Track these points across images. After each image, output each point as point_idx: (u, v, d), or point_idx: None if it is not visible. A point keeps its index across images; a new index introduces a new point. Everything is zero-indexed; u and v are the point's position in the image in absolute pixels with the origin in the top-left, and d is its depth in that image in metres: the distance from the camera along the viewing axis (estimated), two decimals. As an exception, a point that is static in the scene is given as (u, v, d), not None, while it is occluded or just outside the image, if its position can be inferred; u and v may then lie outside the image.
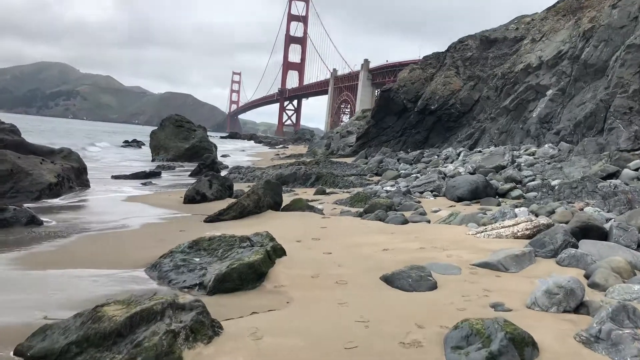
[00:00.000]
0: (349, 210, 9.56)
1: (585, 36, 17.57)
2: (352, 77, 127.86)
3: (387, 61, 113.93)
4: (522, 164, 12.60)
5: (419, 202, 10.25)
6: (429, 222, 8.11)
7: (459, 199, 10.18)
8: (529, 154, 14.93)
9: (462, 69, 25.04)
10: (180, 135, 31.50)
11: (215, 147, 33.15)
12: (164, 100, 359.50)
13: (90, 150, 37.15)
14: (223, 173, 20.48)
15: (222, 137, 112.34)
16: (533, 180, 10.87)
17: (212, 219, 8.84)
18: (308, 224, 7.93)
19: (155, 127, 33.76)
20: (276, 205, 9.51)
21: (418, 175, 14.47)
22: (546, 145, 14.94)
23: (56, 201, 11.35)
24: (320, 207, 9.66)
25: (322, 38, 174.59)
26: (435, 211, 9.14)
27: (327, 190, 12.71)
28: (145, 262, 5.50)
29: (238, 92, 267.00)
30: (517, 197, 10.11)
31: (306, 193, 12.81)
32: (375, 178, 15.85)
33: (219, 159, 33.86)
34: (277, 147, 67.06)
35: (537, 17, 23.78)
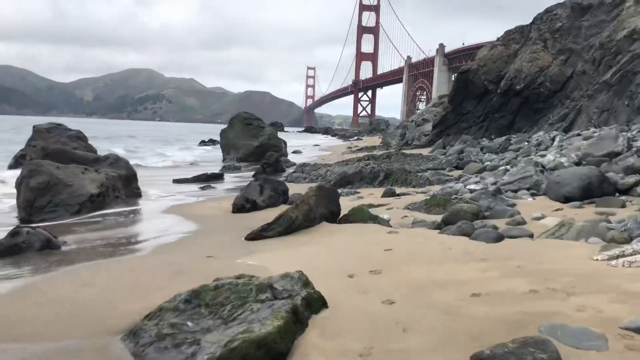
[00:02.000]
0: (424, 219, 7.62)
1: None
2: (427, 63, 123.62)
3: (463, 44, 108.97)
4: (644, 150, 10.04)
5: (514, 205, 8.12)
6: (531, 236, 6.04)
7: (567, 199, 7.94)
8: (646, 136, 12.22)
9: (550, 42, 22.07)
10: (249, 134, 30.48)
11: (285, 143, 31.92)
12: (243, 99, 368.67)
13: (164, 152, 37.16)
14: (288, 172, 19.03)
15: (298, 132, 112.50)
16: (664, 170, 8.40)
17: (254, 236, 7.23)
18: (368, 243, 6.10)
19: (227, 126, 33.01)
20: (332, 216, 7.74)
21: (507, 167, 12.19)
22: (669, 124, 12.15)
23: (95, 215, 10.20)
24: (386, 216, 7.78)
25: (395, 26, 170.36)
26: (538, 218, 7.01)
27: (398, 191, 10.78)
28: (133, 318, 3.92)
29: (313, 86, 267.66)
30: (647, 195, 7.74)
31: (373, 195, 10.95)
32: (456, 172, 13.68)
33: (290, 155, 32.67)
34: (351, 139, 65.32)
35: (640, -25, 20.39)
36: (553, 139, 16.32)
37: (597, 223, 6.10)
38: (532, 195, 8.81)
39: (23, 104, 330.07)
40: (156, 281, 4.88)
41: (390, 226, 7.31)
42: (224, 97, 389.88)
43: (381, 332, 3.45)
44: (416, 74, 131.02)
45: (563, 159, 10.38)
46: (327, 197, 7.71)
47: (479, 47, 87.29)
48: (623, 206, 7.25)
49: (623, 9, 19.33)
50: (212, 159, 31.83)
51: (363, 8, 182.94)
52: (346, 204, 9.70)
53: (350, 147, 38.65)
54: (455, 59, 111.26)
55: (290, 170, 19.43)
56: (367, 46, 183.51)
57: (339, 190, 11.87)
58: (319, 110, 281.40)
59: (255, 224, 8.04)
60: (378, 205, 9.39)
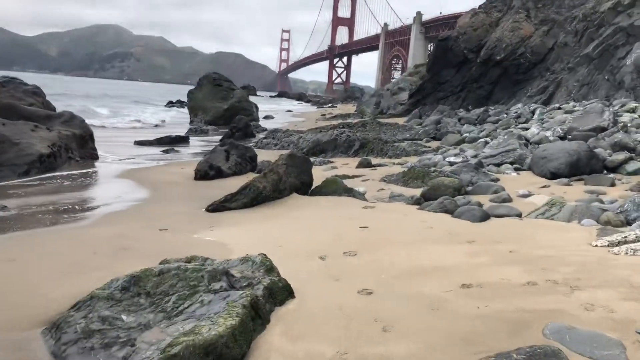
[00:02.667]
0: (402, 193, 7.07)
1: (702, -40, 13.96)
2: (404, 31, 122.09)
3: (440, 13, 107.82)
4: (629, 125, 9.64)
5: (497, 180, 7.62)
6: (519, 216, 5.54)
7: (553, 175, 7.48)
8: (628, 111, 11.86)
9: (533, 12, 21.51)
10: (219, 95, 29.40)
11: (257, 107, 30.95)
12: (215, 60, 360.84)
13: (129, 112, 35.77)
14: (258, 137, 18.27)
15: (271, 97, 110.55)
16: (653, 147, 7.99)
17: (215, 207, 6.58)
18: (342, 219, 5.52)
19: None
20: (303, 187, 7.12)
21: (487, 140, 11.72)
22: (652, 100, 11.80)
23: (44, 177, 9.36)
24: (362, 189, 7.20)
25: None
26: (525, 195, 6.52)
27: (374, 162, 10.21)
28: (61, 306, 3.26)
29: (288, 50, 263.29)
30: (635, 172, 7.32)
31: (347, 165, 10.36)
32: (434, 143, 13.17)
33: (262, 120, 31.73)
34: (325, 106, 64.38)
35: (627, -54, 19.83)
36: (533, 112, 15.91)
37: (589, 203, 5.64)
38: (516, 170, 8.34)
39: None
40: (96, 259, 4.21)
41: (366, 200, 6.74)
42: (195, 57, 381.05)
43: (357, 331, 2.88)
44: (393, 41, 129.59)
45: (548, 133, 9.92)
46: (299, 167, 7.07)
47: (456, 17, 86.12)
48: (613, 184, 6.81)
49: (608, -20, 18.80)
50: (180, 121, 30.72)
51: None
52: (319, 174, 9.09)
53: (324, 114, 37.87)
54: (432, 28, 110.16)
55: (261, 135, 18.66)
56: (345, 11, 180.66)
57: (312, 159, 11.26)
58: (293, 75, 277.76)
59: (218, 193, 7.40)
60: (353, 177, 8.81)
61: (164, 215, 6.32)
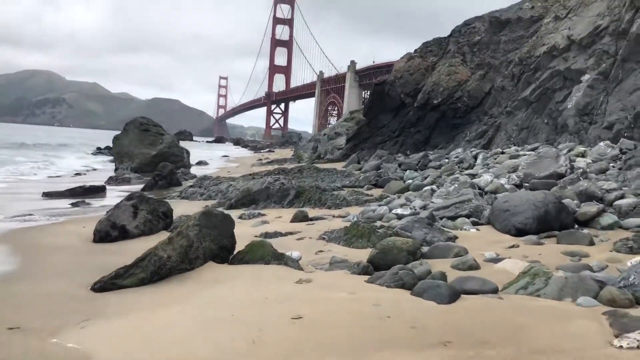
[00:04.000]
0: (345, 257, 5.75)
1: (635, 5, 13.92)
2: (339, 79, 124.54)
3: (374, 62, 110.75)
4: (588, 171, 8.85)
5: (455, 237, 6.47)
6: (495, 291, 4.32)
7: (519, 232, 6.40)
8: (578, 155, 11.23)
9: (469, 56, 21.34)
10: (146, 141, 27.53)
11: (188, 153, 29.20)
12: (151, 106, 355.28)
13: (50, 160, 33.14)
14: (185, 185, 16.65)
15: (208, 142, 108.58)
16: (622, 196, 7.10)
17: (103, 286, 5.01)
18: (269, 304, 4.10)
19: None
20: (223, 253, 5.67)
21: (433, 187, 10.70)
22: (601, 144, 11.24)
23: None
24: (296, 253, 5.83)
25: (308, 40, 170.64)
26: (493, 260, 5.35)
27: (311, 214, 8.89)
28: None
29: (225, 96, 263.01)
30: (611, 227, 6.35)
31: (281, 218, 8.98)
32: (376, 191, 12.05)
33: (194, 167, 30.00)
34: (262, 151, 63.18)
35: (556, -7, 20.14)
36: (475, 157, 15.22)
37: (577, 271, 4.51)
38: (474, 224, 7.22)
39: None
40: None
41: (301, 268, 5.37)
42: (131, 104, 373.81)
43: None
44: (328, 89, 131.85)
45: (502, 180, 8.97)
46: (217, 227, 5.63)
47: (389, 65, 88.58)
48: (592, 243, 5.78)
49: (542, 25, 18.87)
50: (106, 168, 28.55)
51: (277, 21, 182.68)
52: (247, 231, 7.67)
53: (260, 159, 36.58)
54: (366, 76, 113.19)
55: (190, 183, 17.04)
56: (281, 59, 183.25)
57: (240, 212, 9.83)
58: (231, 121, 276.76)
59: (118, 261, 5.83)
60: (286, 234, 7.44)
61: (30, 298, 4.70)
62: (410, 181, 12.28)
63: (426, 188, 10.60)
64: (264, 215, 9.33)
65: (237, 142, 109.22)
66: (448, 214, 7.62)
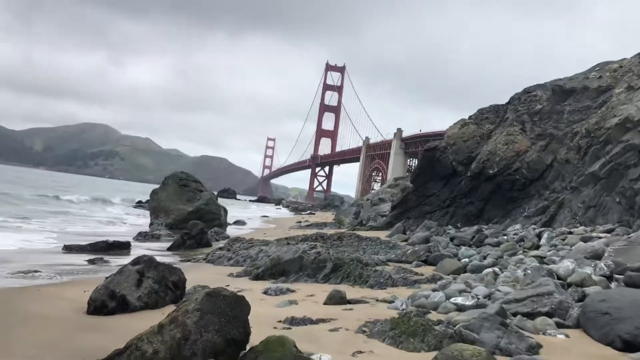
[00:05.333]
0: (393, 367, 4.26)
1: None
2: (385, 145, 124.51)
3: (420, 131, 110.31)
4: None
5: (539, 346, 4.87)
6: None
7: (627, 345, 4.75)
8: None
9: (529, 125, 19.87)
10: (184, 197, 26.82)
11: (226, 211, 28.31)
12: (199, 163, 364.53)
13: (88, 211, 32.85)
14: (214, 246, 15.46)
15: (250, 201, 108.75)
16: None
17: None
18: None
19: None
20: (230, 350, 4.26)
21: (495, 270, 9.07)
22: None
23: None
24: (326, 358, 4.35)
25: (356, 107, 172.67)
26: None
27: (349, 294, 7.39)
28: None
29: (272, 157, 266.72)
30: None
31: (313, 298, 7.51)
32: (426, 269, 10.46)
33: (231, 226, 28.99)
34: (303, 213, 62.12)
35: (627, 63, 18.70)
36: (539, 236, 13.50)
37: None
38: (559, 326, 5.59)
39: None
40: None
41: (332, 383, 3.90)
42: (179, 160, 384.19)
43: None
44: (373, 154, 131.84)
45: (587, 269, 7.31)
46: (224, 314, 4.27)
47: (435, 134, 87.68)
48: None
49: (612, 95, 17.32)
50: (140, 223, 27.81)
51: (327, 87, 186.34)
52: (268, 313, 6.26)
53: (299, 222, 35.34)
54: (412, 144, 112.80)
55: (221, 244, 15.84)
56: (328, 123, 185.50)
57: (267, 285, 8.45)
58: (275, 182, 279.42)
59: (108, 343, 4.57)
60: (317, 321, 5.98)
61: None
62: (467, 260, 10.66)
63: (487, 271, 8.98)
64: (293, 291, 7.89)
65: (279, 202, 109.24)
66: (523, 309, 6.01)
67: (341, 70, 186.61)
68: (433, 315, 6.22)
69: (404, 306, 6.58)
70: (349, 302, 7.02)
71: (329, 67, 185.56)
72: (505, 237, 14.37)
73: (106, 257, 12.15)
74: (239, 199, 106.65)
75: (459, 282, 8.21)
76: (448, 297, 6.80)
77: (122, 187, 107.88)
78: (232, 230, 25.75)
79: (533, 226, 16.41)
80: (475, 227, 17.10)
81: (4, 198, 31.61)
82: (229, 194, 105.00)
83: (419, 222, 21.09)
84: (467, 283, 7.82)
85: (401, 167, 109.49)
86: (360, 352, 4.86)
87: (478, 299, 6.82)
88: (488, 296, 7.05)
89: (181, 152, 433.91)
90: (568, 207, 16.96)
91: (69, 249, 13.55)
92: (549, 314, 5.86)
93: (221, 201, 30.86)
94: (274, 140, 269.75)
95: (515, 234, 14.91)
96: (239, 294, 6.15)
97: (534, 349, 4.85)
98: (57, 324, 5.62)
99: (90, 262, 11.53)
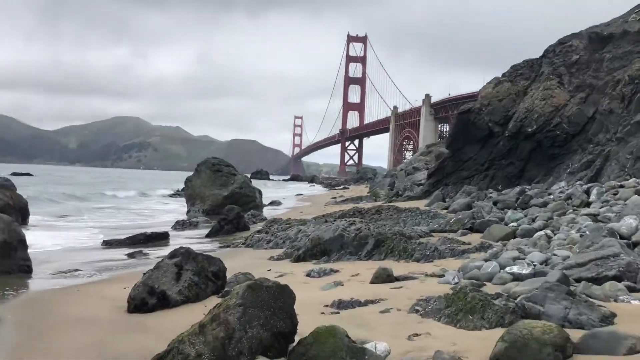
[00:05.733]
0: (454, 351, 3.91)
1: None
2: (414, 113, 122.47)
3: (449, 94, 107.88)
4: None
5: (613, 315, 4.45)
6: None
7: None
8: None
9: (566, 78, 18.95)
10: (218, 182, 26.77)
11: (261, 193, 28.19)
12: (230, 147, 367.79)
13: (127, 203, 33.29)
14: (253, 230, 15.28)
15: (283, 180, 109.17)
16: None
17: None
18: None
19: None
20: (278, 343, 3.98)
21: (547, 232, 8.58)
22: None
23: None
24: (381, 347, 4.00)
25: (381, 76, 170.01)
26: None
27: (396, 270, 7.05)
28: None
29: (300, 135, 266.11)
30: None
31: (358, 277, 7.20)
32: (472, 237, 10.03)
33: (267, 207, 28.92)
34: (337, 188, 61.85)
35: (669, 1, 17.55)
36: (587, 192, 12.83)
37: None
38: (630, 290, 5.14)
39: (6, 152, 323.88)
40: None
41: (392, 373, 3.59)
42: (211, 145, 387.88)
43: None
44: (402, 123, 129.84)
45: (650, 224, 6.78)
46: (269, 306, 3.98)
47: (465, 97, 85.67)
48: None
49: (656, 37, 16.31)
50: (179, 211, 27.96)
51: (350, 59, 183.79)
52: (314, 296, 5.99)
53: (334, 197, 35.07)
54: (442, 109, 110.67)
55: (259, 227, 15.66)
56: (354, 96, 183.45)
57: (310, 266, 8.18)
58: (306, 159, 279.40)
59: (151, 342, 4.38)
60: (366, 303, 5.67)
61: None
62: (515, 224, 10.17)
63: (539, 234, 8.51)
64: (336, 271, 7.59)
65: (312, 179, 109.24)
66: (586, 274, 5.57)
67: (363, 40, 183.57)
68: (489, 288, 5.84)
69: (455, 280, 6.21)
70: (397, 279, 6.69)
71: (350, 39, 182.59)
72: (551, 197, 13.74)
73: (145, 250, 12.09)
74: (272, 179, 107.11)
75: (510, 248, 7.77)
76: (502, 267, 6.39)
77: (159, 177, 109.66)
78: (268, 212, 25.67)
79: (579, 182, 15.71)
80: (517, 189, 16.46)
81: (51, 197, 32.42)
82: (262, 175, 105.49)
83: (458, 188, 20.51)
84: (520, 249, 7.38)
85: (432, 133, 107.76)
86: (417, 334, 4.52)
87: (534, 266, 6.39)
88: (544, 262, 6.61)
89: (212, 137, 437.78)
90: (615, 159, 16.16)
91: (108, 244, 13.57)
92: (616, 278, 5.41)
93: (255, 183, 30.80)
94: (301, 118, 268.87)
95: (561, 192, 14.24)
96: (282, 281, 5.88)
97: (608, 318, 4.43)
98: (98, 325, 5.45)
99: (130, 256, 11.47)
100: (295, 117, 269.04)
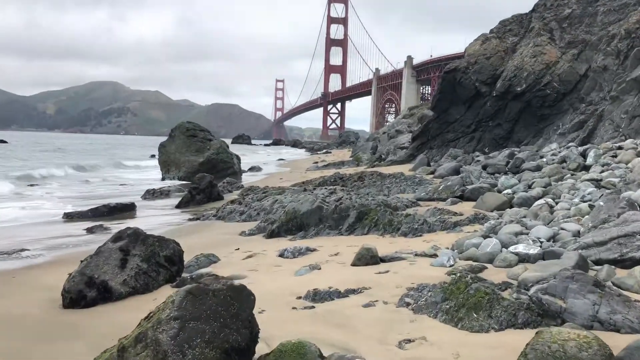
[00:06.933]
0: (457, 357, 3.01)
1: None
2: (396, 75, 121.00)
3: (431, 56, 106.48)
4: None
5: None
6: None
7: None
8: None
9: (558, 33, 17.94)
10: (193, 147, 25.61)
11: (239, 158, 27.08)
12: (211, 112, 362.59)
13: (102, 171, 31.90)
14: (227, 199, 14.29)
15: (265, 145, 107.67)
16: None
17: None
18: None
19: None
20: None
21: (548, 201, 7.72)
22: None
23: None
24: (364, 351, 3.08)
25: (363, 38, 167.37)
26: None
27: (382, 248, 6.14)
28: None
29: (282, 99, 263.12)
30: None
31: (338, 258, 6.26)
32: (464, 207, 9.14)
33: (246, 173, 27.88)
34: (319, 152, 60.80)
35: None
36: (584, 154, 12.02)
37: None
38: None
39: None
40: None
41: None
42: (191, 110, 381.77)
43: None
44: (385, 86, 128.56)
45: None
46: (218, 316, 3.01)
47: (448, 58, 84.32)
48: None
49: (655, -13, 15.30)
50: (154, 177, 26.75)
51: (331, 21, 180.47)
52: (284, 285, 5.07)
53: (316, 162, 34.07)
54: (424, 71, 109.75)
55: (234, 196, 14.63)
56: (336, 59, 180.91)
57: (284, 244, 7.24)
58: (289, 123, 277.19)
59: (89, 348, 3.43)
60: (347, 293, 4.74)
61: None
62: (509, 191, 9.30)
63: (539, 203, 7.64)
64: (313, 250, 6.64)
65: (295, 144, 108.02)
66: (608, 255, 4.69)
67: (344, 1, 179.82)
68: (490, 272, 4.96)
69: (451, 262, 5.31)
70: (382, 260, 5.77)
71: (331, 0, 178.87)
72: (544, 160, 12.91)
73: (108, 224, 11.02)
74: (254, 144, 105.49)
75: (508, 220, 6.89)
76: (504, 245, 5.50)
77: (137, 142, 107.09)
78: (247, 178, 24.64)
79: (571, 144, 14.91)
80: (506, 151, 15.65)
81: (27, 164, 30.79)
82: (244, 139, 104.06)
83: (443, 152, 19.69)
84: (522, 223, 6.49)
85: (414, 96, 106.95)
86: (409, 340, 3.61)
87: (541, 243, 5.52)
88: (552, 238, 5.74)
89: (192, 102, 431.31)
90: (609, 119, 15.34)
91: (69, 216, 12.48)
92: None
93: (236, 147, 29.65)
94: (282, 81, 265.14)
95: (553, 155, 13.43)
96: (250, 263, 5.02)
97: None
98: (22, 327, 4.47)
99: (89, 231, 10.42)
100: (277, 81, 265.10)
